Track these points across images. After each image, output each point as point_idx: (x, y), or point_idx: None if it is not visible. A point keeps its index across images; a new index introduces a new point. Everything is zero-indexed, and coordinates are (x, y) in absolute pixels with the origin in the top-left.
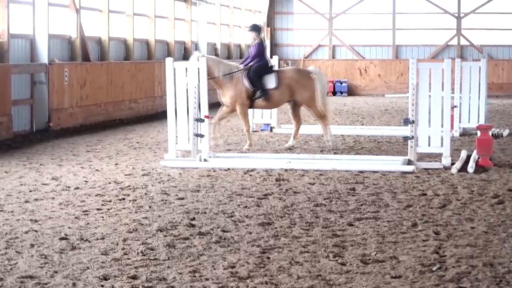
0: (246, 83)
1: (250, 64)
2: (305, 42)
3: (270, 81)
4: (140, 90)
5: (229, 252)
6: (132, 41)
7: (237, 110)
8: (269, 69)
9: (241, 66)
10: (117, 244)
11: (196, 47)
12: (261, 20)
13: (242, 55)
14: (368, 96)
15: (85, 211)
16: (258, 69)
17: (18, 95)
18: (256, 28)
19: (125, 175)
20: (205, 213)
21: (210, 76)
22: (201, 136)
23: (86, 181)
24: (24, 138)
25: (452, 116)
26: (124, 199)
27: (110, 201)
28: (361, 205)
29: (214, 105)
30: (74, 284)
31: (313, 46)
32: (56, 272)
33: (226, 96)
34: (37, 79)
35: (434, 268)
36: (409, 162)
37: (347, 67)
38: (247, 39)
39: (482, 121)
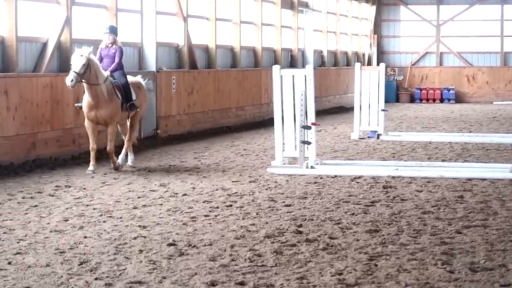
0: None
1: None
2: (412, 49)
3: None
4: (247, 98)
5: (337, 259)
6: (239, 48)
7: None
8: None
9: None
10: (225, 251)
11: (303, 55)
12: (368, 28)
13: (349, 62)
14: (476, 103)
15: (193, 217)
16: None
17: None
18: (116, 31)
19: (232, 181)
20: (312, 220)
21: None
22: (308, 143)
23: (193, 188)
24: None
25: None
26: (231, 205)
27: (218, 207)
28: (469, 212)
29: (321, 112)
30: None
31: (420, 53)
32: (164, 277)
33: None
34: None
35: None
36: None
37: (454, 74)
38: (354, 47)
39: None
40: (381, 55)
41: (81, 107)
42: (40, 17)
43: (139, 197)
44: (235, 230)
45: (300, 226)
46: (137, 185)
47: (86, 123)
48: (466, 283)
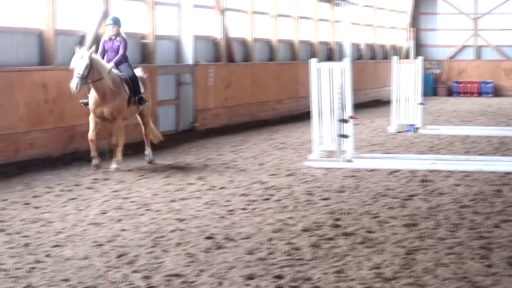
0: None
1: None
2: (449, 43)
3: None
4: (284, 91)
5: (374, 253)
6: (277, 42)
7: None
8: None
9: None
10: (262, 244)
11: (340, 48)
12: (405, 21)
13: (386, 55)
14: None
15: (230, 210)
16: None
17: (164, 96)
18: (119, 22)
19: (270, 175)
20: (349, 213)
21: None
22: (346, 136)
23: (231, 181)
24: (170, 138)
25: None
26: (269, 199)
27: (255, 201)
28: (508, 207)
29: (358, 106)
30: (220, 283)
31: (457, 47)
32: (202, 270)
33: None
34: (182, 80)
35: None
36: None
37: (492, 67)
38: (391, 40)
39: None
40: (419, 48)
41: (86, 104)
42: (78, 10)
43: (176, 190)
44: (272, 224)
45: (338, 219)
46: (174, 178)
47: (91, 116)
48: (504, 278)
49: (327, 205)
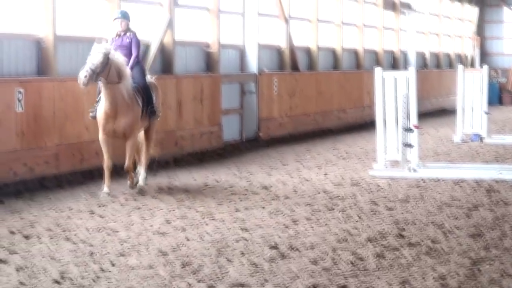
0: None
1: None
2: None
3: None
4: (349, 100)
5: (439, 263)
6: (341, 50)
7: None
8: None
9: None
10: (327, 254)
11: (405, 57)
12: (471, 29)
13: (451, 64)
14: None
15: (295, 220)
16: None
17: (228, 105)
18: (128, 16)
19: (334, 184)
20: (414, 223)
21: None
22: (411, 146)
23: (295, 191)
24: (234, 147)
25: None
26: (333, 208)
27: (319, 210)
28: None
29: (423, 115)
30: None
31: None
32: (266, 280)
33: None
34: (246, 89)
35: None
36: None
37: None
38: (456, 48)
39: None
40: (484, 57)
41: (94, 117)
42: (143, 19)
43: (241, 200)
44: (337, 234)
45: (403, 229)
46: (239, 188)
47: (101, 137)
48: None
49: (392, 215)
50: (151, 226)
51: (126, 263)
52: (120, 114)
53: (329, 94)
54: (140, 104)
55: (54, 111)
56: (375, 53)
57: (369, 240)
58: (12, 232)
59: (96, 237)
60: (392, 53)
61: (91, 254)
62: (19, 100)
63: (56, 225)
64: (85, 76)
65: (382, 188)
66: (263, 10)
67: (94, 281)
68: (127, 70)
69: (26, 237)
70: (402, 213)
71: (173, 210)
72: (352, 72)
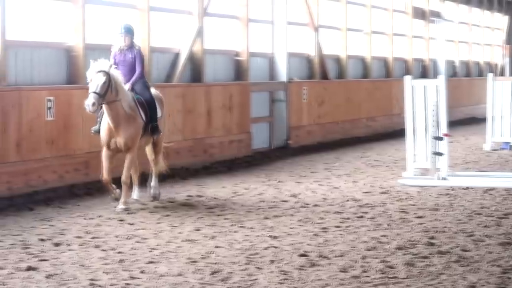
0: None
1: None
2: None
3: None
4: (378, 108)
5: (469, 272)
6: (370, 59)
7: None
8: None
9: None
10: (356, 262)
11: (435, 65)
12: (501, 38)
13: (481, 73)
14: None
15: (324, 228)
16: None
17: (258, 113)
18: (132, 32)
19: (363, 192)
20: (444, 232)
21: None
22: (440, 154)
23: (324, 198)
24: (263, 155)
25: None
26: (362, 216)
27: (349, 218)
28: None
29: (453, 123)
30: None
31: None
32: None
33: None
34: (276, 97)
35: None
36: None
37: None
38: (486, 57)
39: None
40: None
41: (98, 131)
42: (172, 28)
43: (270, 208)
44: (366, 242)
45: (432, 238)
46: (268, 195)
47: (104, 152)
48: None
49: (421, 223)
50: (181, 233)
51: (156, 271)
52: (122, 129)
53: (358, 103)
54: (143, 117)
55: (83, 119)
56: (404, 62)
57: (399, 248)
58: (42, 240)
59: (125, 244)
60: (421, 61)
61: (121, 261)
62: (49, 108)
63: (86, 232)
64: (93, 104)
65: (411, 196)
66: (292, 19)
67: None
68: (125, 87)
69: (56, 244)
70: (432, 221)
71: (202, 218)
72: (382, 81)
